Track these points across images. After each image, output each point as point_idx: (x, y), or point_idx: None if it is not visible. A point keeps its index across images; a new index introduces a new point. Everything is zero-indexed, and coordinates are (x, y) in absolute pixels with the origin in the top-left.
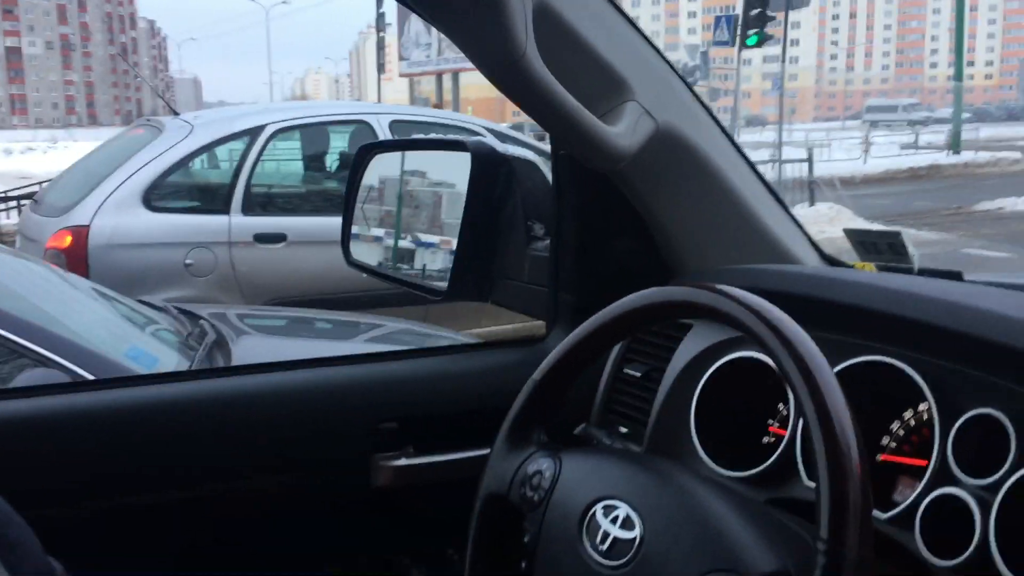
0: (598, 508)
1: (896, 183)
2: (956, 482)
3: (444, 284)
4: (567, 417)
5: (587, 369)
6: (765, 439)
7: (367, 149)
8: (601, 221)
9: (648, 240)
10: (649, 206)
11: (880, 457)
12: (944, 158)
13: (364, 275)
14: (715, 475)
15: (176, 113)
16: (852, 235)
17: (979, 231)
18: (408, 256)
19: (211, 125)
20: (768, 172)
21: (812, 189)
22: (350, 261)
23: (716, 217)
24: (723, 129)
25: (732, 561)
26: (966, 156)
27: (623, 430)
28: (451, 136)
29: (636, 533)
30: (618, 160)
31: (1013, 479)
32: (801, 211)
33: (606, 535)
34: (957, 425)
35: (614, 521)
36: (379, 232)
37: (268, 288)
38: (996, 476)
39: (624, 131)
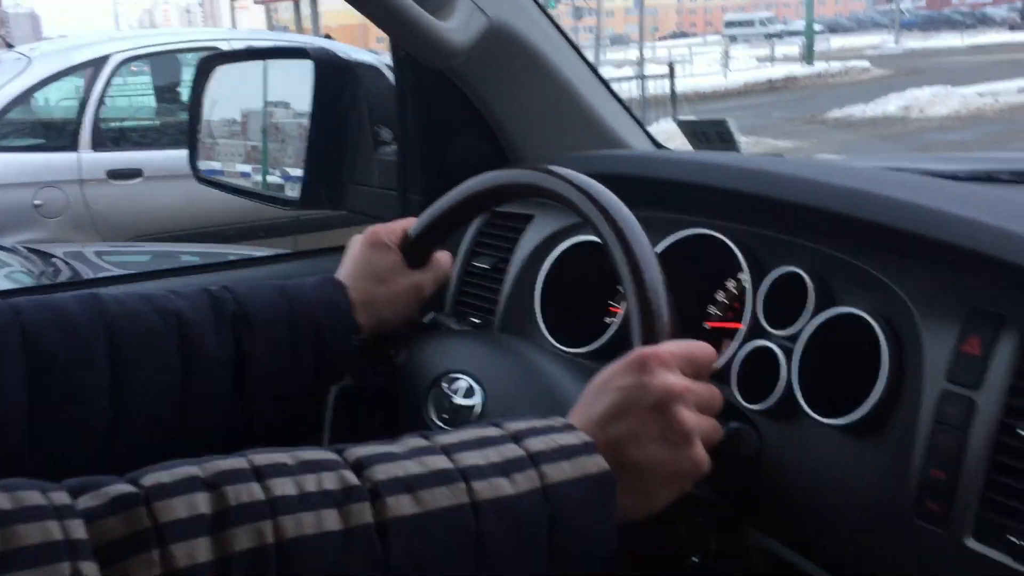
0: (442, 382)
1: (755, 95)
2: (765, 335)
3: (296, 194)
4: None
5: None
6: (608, 319)
7: (208, 61)
8: (444, 120)
9: (490, 136)
10: (487, 102)
11: (708, 325)
12: (799, 69)
13: (214, 190)
14: (559, 352)
15: (10, 46)
16: (684, 126)
17: (832, 137)
18: (278, 190)
19: (51, 57)
20: (633, 89)
21: (675, 104)
22: (199, 177)
23: (551, 109)
24: (553, 22)
25: (565, 414)
26: (819, 67)
27: (475, 320)
28: (293, 44)
29: (477, 401)
30: (453, 56)
31: (811, 327)
32: (666, 126)
33: (450, 406)
34: (765, 284)
35: (457, 392)
36: (246, 168)
37: (127, 226)
38: (797, 326)
39: (457, 26)
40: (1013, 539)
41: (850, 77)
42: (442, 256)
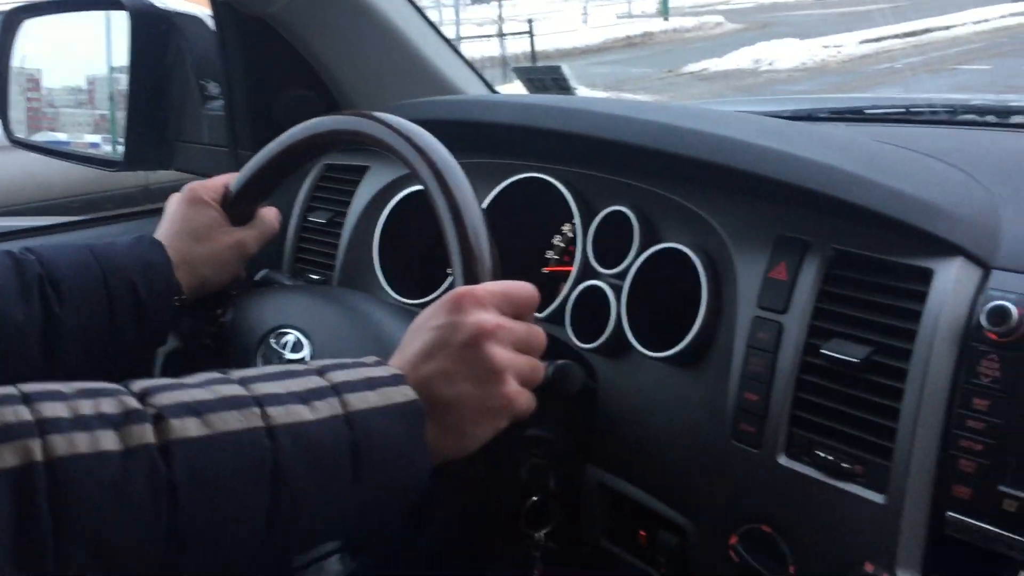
0: (271, 338)
1: (614, 51)
2: (596, 275)
3: (120, 156)
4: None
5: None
6: (449, 269)
7: (16, 14)
8: (270, 71)
9: (320, 86)
10: (313, 50)
11: (546, 269)
12: (656, 25)
13: (41, 155)
14: (399, 304)
15: None
16: (520, 73)
17: (688, 91)
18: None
19: None
20: (495, 47)
21: (535, 61)
22: (12, 139)
23: (381, 56)
24: None
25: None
26: (675, 22)
27: (314, 277)
28: None
29: (305, 354)
30: (270, 0)
31: (637, 264)
32: None
33: (279, 362)
34: (594, 224)
35: (285, 347)
36: (95, 139)
37: None
38: (624, 264)
39: None
40: (820, 454)
41: (704, 32)
42: (267, 212)
